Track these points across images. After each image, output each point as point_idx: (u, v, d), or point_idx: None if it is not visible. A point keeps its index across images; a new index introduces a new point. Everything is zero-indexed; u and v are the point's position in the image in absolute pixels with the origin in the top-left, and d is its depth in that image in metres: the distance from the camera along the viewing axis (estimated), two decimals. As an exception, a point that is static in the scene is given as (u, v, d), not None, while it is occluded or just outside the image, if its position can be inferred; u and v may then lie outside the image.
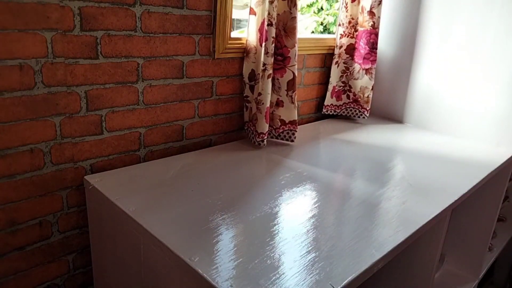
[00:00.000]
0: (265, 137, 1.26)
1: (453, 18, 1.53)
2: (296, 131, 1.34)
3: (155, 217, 0.81)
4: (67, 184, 0.99)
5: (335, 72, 1.64)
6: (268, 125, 1.26)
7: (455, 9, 1.52)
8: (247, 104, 1.32)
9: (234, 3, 1.20)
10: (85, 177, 0.98)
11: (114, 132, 1.05)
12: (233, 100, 1.32)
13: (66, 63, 0.91)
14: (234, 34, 1.26)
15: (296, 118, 1.33)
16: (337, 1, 4.32)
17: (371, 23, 1.57)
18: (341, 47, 1.62)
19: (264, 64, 1.19)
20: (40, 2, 0.84)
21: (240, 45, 1.26)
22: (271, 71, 1.21)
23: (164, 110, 1.14)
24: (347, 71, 1.66)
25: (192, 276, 0.66)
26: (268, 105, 1.23)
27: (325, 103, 1.67)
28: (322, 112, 1.69)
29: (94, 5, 0.92)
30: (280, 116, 1.33)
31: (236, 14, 1.29)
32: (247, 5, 1.23)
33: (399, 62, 1.71)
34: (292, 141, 1.35)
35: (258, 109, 1.23)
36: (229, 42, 1.22)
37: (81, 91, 0.96)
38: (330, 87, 1.65)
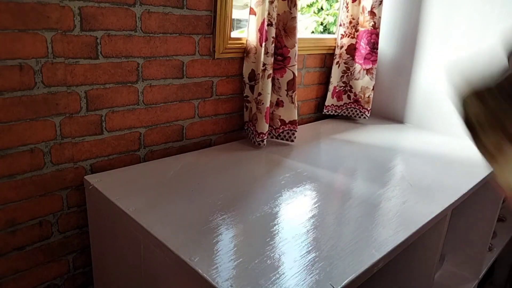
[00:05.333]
0: (265, 137, 1.26)
1: (453, 18, 1.53)
2: (296, 131, 1.34)
3: (155, 217, 0.81)
4: (67, 184, 0.99)
5: (335, 72, 1.64)
6: (268, 125, 1.26)
7: (455, 9, 1.52)
8: (247, 104, 1.32)
9: (234, 3, 1.20)
10: (85, 177, 0.98)
11: (114, 132, 1.05)
12: (233, 100, 1.32)
13: (66, 63, 0.91)
14: (234, 34, 1.25)
15: (296, 118, 1.33)
16: (337, 1, 4.32)
17: (372, 23, 1.56)
18: (342, 47, 1.62)
19: (264, 64, 1.19)
20: (40, 2, 0.84)
21: (240, 45, 1.26)
22: (271, 71, 1.21)
23: (164, 110, 1.14)
24: (348, 71, 1.65)
25: (192, 276, 0.66)
26: (268, 105, 1.23)
27: (326, 103, 1.67)
28: (323, 112, 1.69)
29: (94, 5, 0.92)
30: (280, 116, 1.33)
31: (236, 14, 1.28)
32: (247, 5, 1.23)
33: (400, 62, 1.70)
34: (292, 141, 1.35)
35: (258, 109, 1.23)
36: (229, 42, 1.22)
37: (81, 91, 0.96)
38: (330, 87, 1.65)
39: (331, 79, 1.64)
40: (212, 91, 1.25)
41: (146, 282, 0.82)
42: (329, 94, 1.66)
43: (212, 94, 1.25)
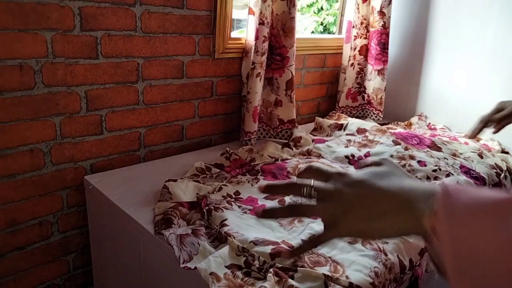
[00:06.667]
0: (253, 136, 1.25)
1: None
2: (298, 127, 1.34)
3: (155, 217, 0.81)
4: (67, 184, 0.99)
5: (350, 74, 1.63)
6: (256, 124, 1.26)
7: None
8: (244, 103, 1.32)
9: (234, 3, 1.20)
10: (85, 177, 0.98)
11: (114, 132, 1.05)
12: (233, 100, 1.32)
13: (66, 63, 0.91)
14: (234, 34, 1.25)
15: (294, 117, 1.33)
16: (337, 1, 4.32)
17: (382, 23, 1.55)
18: (355, 48, 1.61)
19: (253, 63, 1.19)
20: (40, 2, 0.84)
21: (240, 45, 1.26)
22: (260, 70, 1.20)
23: (164, 110, 1.14)
24: (362, 72, 1.65)
25: (191, 276, 0.66)
26: (256, 104, 1.22)
27: (340, 105, 1.65)
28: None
29: (94, 5, 0.92)
30: (278, 115, 1.33)
31: (236, 14, 1.28)
32: (247, 5, 1.23)
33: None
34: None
35: (246, 108, 1.23)
36: (229, 42, 1.22)
37: (81, 91, 0.96)
38: (345, 89, 1.63)
39: (346, 81, 1.62)
40: (212, 91, 1.25)
41: (146, 282, 0.82)
42: (343, 96, 1.64)
43: (212, 94, 1.25)
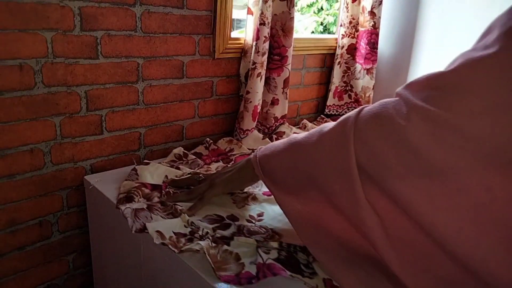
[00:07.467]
0: (250, 133, 1.28)
1: (450, 18, 1.53)
2: (285, 124, 1.39)
3: (155, 217, 0.81)
4: (67, 184, 0.99)
5: (337, 72, 1.63)
6: (254, 122, 1.28)
7: (452, 9, 1.51)
8: (242, 103, 1.32)
9: (234, 3, 1.20)
10: (85, 177, 0.98)
11: (114, 132, 1.05)
12: (233, 100, 1.32)
13: (66, 63, 0.91)
14: (234, 34, 1.26)
15: (286, 112, 1.37)
16: (337, 1, 4.32)
17: (372, 23, 1.56)
18: (342, 47, 1.62)
19: (254, 63, 1.19)
20: (40, 2, 0.84)
21: (240, 45, 1.26)
22: (260, 70, 1.21)
23: (164, 110, 1.14)
24: (349, 71, 1.65)
25: (192, 276, 0.66)
26: (256, 103, 1.23)
27: (328, 103, 1.66)
28: (324, 113, 1.69)
29: (94, 5, 0.92)
30: (274, 114, 1.35)
31: (236, 14, 1.28)
32: (246, 5, 1.23)
33: (397, 62, 1.70)
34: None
35: (245, 107, 1.23)
36: (229, 42, 1.22)
37: (81, 91, 0.96)
38: (332, 87, 1.64)
39: (333, 79, 1.63)
40: (212, 91, 1.25)
41: (146, 282, 0.82)
42: (330, 94, 1.65)
43: (212, 94, 1.25)
